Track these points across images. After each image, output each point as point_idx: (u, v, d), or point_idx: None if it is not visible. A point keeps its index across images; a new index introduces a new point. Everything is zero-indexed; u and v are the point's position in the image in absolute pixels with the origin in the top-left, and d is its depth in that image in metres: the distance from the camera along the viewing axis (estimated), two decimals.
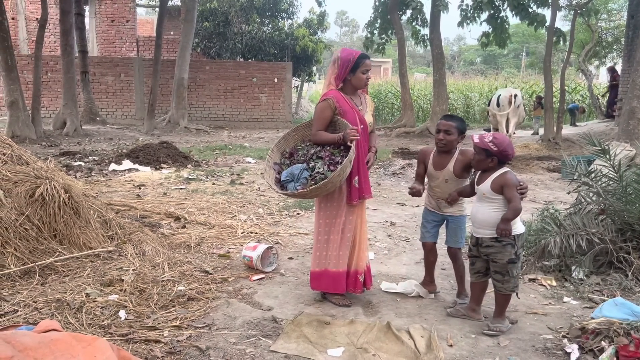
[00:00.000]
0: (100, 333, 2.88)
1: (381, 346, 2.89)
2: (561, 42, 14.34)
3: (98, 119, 16.76)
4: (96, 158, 9.57)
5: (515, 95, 11.63)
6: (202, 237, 4.83)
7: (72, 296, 3.25)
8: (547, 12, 14.11)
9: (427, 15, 16.17)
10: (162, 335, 2.92)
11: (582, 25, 19.30)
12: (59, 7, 14.10)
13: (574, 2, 15.05)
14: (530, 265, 4.09)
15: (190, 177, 8.12)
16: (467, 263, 3.51)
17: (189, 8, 16.50)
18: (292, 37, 20.36)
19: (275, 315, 3.25)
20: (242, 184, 7.77)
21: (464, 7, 15.80)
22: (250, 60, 20.39)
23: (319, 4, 20.53)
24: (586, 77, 19.74)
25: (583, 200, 4.28)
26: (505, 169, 3.09)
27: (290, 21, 21.76)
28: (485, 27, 15.98)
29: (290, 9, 21.51)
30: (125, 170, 8.53)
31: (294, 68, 20.12)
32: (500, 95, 11.76)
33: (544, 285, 3.83)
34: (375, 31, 17.62)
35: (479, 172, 3.20)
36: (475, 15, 15.63)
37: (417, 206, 6.42)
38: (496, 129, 11.60)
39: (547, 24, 13.58)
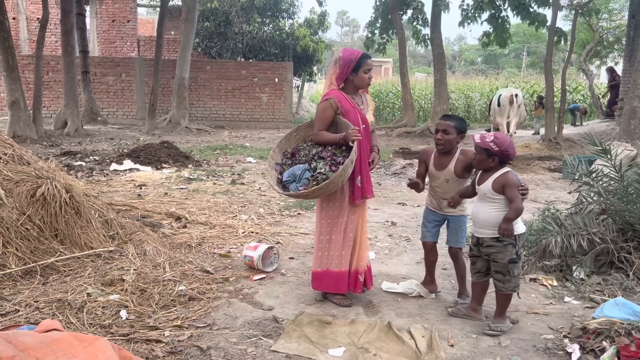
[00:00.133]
0: (101, 333, 2.88)
1: (382, 346, 2.89)
2: (562, 42, 14.32)
3: (99, 118, 16.77)
4: (97, 158, 9.58)
5: (516, 95, 11.62)
6: (203, 237, 4.84)
7: (73, 296, 3.25)
8: (548, 12, 14.13)
9: (428, 15, 16.16)
10: (163, 335, 2.92)
11: (583, 25, 19.28)
12: (60, 7, 14.11)
13: (574, 2, 15.03)
14: (531, 265, 4.09)
15: (191, 177, 8.13)
16: (468, 263, 3.52)
17: (190, 8, 16.50)
18: (292, 37, 20.36)
19: (276, 315, 3.25)
20: (243, 183, 7.77)
21: (464, 6, 15.79)
22: (251, 60, 20.39)
23: (320, 4, 20.55)
24: (587, 77, 19.72)
25: (584, 200, 4.28)
26: (506, 168, 3.09)
27: (291, 21, 21.77)
28: (486, 27, 15.98)
29: (291, 8, 21.52)
30: (126, 170, 8.54)
31: (294, 68, 20.12)
32: (501, 95, 11.75)
33: (545, 285, 3.83)
34: (376, 31, 17.62)
35: (480, 171, 3.20)
36: (476, 15, 15.62)
37: (418, 206, 6.42)
38: (497, 129, 11.59)
39: (548, 23, 13.57)
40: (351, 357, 2.78)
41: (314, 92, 32.53)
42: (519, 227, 3.09)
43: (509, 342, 2.98)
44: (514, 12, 14.79)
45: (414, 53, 55.52)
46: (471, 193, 3.30)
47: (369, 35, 17.86)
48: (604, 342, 2.77)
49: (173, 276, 3.71)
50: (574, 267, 3.91)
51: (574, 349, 2.79)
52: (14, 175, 3.91)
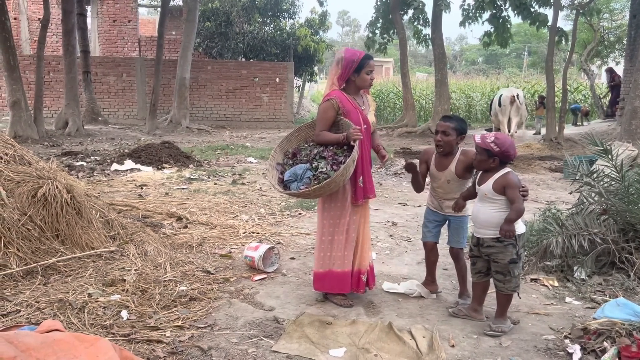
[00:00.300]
0: (102, 333, 2.89)
1: (383, 346, 2.89)
2: (563, 42, 14.31)
3: (100, 118, 16.77)
4: (98, 158, 9.58)
5: (517, 95, 11.62)
6: (204, 237, 4.84)
7: (75, 296, 3.26)
8: (549, 12, 14.11)
9: (429, 15, 16.16)
10: (164, 335, 2.93)
11: (584, 25, 19.27)
12: (61, 7, 14.11)
13: (576, 2, 15.01)
14: (532, 266, 4.09)
15: (192, 177, 8.13)
16: (468, 263, 3.52)
17: (191, 8, 16.50)
18: (293, 37, 20.36)
19: (277, 316, 3.25)
20: (243, 184, 7.77)
21: (465, 6, 15.79)
22: (252, 60, 20.39)
23: (321, 4, 20.53)
24: (588, 77, 19.71)
25: (585, 200, 4.28)
26: (507, 169, 3.09)
27: (292, 21, 21.78)
28: (487, 27, 15.97)
29: (292, 8, 21.51)
30: (127, 170, 8.54)
31: (295, 68, 20.12)
32: (502, 94, 11.75)
33: (546, 286, 3.83)
34: (377, 31, 17.62)
35: (480, 172, 3.20)
36: (477, 14, 15.62)
37: (419, 206, 6.42)
38: (498, 129, 11.59)
39: (549, 23, 13.56)
40: (352, 358, 2.78)
41: (314, 92, 32.55)
42: (519, 227, 3.08)
43: (509, 342, 2.98)
44: (515, 12, 14.78)
45: (415, 53, 55.52)
46: (474, 194, 3.29)
47: (370, 35, 17.86)
48: (605, 342, 2.77)
49: (174, 276, 3.71)
50: (575, 268, 3.91)
51: (575, 350, 2.79)
52: (15, 176, 3.91)
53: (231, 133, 16.62)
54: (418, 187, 3.61)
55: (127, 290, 3.40)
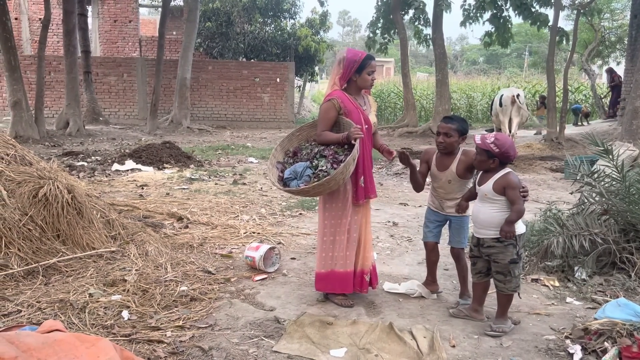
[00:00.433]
0: (103, 333, 2.89)
1: (384, 347, 2.89)
2: (564, 42, 14.29)
3: (101, 119, 16.79)
4: (99, 158, 9.59)
5: (518, 95, 11.60)
6: (205, 238, 4.84)
7: (75, 296, 3.26)
8: (550, 12, 14.10)
9: (430, 15, 16.15)
10: (165, 335, 2.93)
11: (585, 25, 19.26)
12: (62, 7, 14.13)
13: (577, 2, 14.99)
14: (533, 266, 4.09)
15: (192, 177, 8.13)
16: (469, 263, 3.51)
17: (192, 8, 16.51)
18: (294, 37, 20.37)
19: (277, 316, 3.25)
20: (244, 184, 7.78)
21: (466, 6, 15.77)
22: (252, 60, 20.40)
23: (321, 4, 20.49)
24: (589, 77, 19.70)
25: (586, 200, 4.27)
26: (507, 169, 3.09)
27: (292, 21, 21.79)
28: (488, 27, 15.95)
29: (293, 8, 21.52)
30: (128, 170, 8.55)
31: (296, 68, 20.12)
32: (503, 94, 11.73)
33: (547, 286, 3.82)
34: (378, 31, 17.60)
35: (481, 172, 3.20)
36: (478, 14, 15.60)
37: (420, 206, 6.42)
38: (499, 129, 11.57)
39: (550, 23, 13.55)
40: (353, 358, 2.78)
41: (315, 92, 32.56)
42: (520, 227, 3.08)
43: (510, 342, 2.98)
44: (516, 12, 14.75)
45: (416, 53, 55.50)
46: (476, 195, 3.29)
47: (371, 35, 17.84)
48: (605, 343, 2.77)
49: (175, 277, 3.72)
50: (575, 268, 3.91)
51: (576, 350, 2.79)
52: (16, 176, 3.92)
53: (232, 133, 16.63)
54: (417, 185, 3.60)
55: (128, 290, 3.40)
